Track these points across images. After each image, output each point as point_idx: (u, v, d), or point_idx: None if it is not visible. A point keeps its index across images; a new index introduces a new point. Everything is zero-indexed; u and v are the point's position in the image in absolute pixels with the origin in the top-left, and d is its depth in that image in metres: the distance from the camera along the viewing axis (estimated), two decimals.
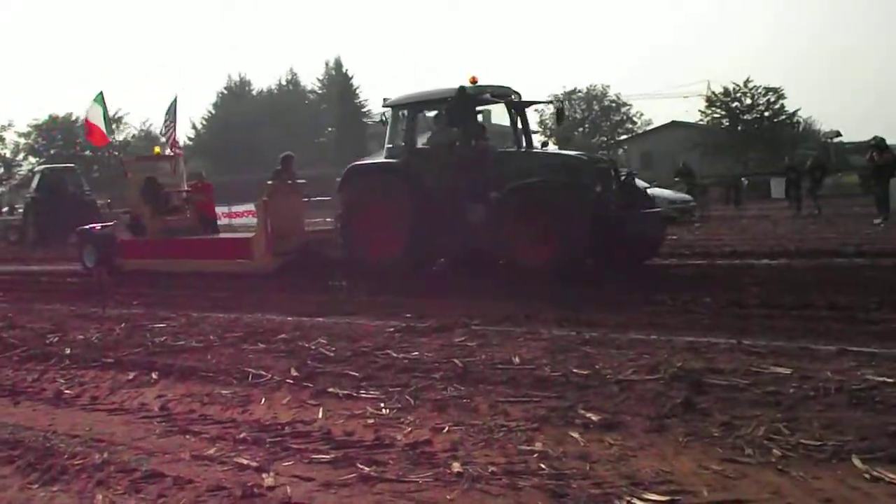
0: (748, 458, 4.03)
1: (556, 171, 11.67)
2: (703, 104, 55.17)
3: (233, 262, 14.06)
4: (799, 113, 56.10)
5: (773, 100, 53.59)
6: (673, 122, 60.28)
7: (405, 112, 13.08)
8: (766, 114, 53.16)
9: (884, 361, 5.69)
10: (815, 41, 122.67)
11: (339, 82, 69.67)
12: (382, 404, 5.40)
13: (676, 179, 30.42)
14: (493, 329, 7.85)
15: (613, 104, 73.43)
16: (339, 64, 71.59)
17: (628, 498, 3.63)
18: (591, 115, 73.73)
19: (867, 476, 3.72)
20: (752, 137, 51.39)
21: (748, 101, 53.92)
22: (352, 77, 70.02)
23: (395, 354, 6.87)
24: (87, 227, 17.75)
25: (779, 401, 4.86)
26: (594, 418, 4.77)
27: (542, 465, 4.08)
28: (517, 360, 6.39)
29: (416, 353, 6.92)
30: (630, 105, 73.36)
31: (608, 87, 73.00)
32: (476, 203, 11.77)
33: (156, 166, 19.63)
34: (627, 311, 8.62)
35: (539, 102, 13.72)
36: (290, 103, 71.13)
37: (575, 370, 5.92)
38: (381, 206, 12.42)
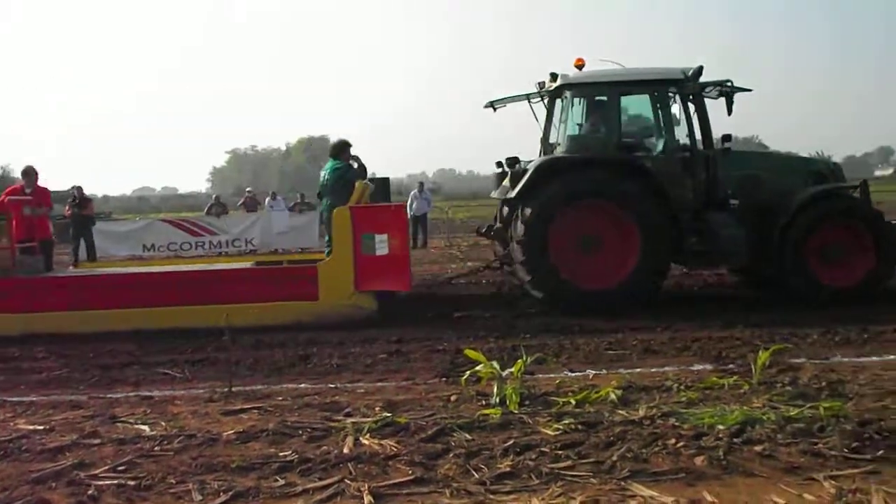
0: None
1: (803, 177, 10.42)
2: None
3: (280, 304, 9.37)
4: None
5: None
6: None
7: (590, 95, 10.49)
8: None
9: (39, 409, 5.79)
10: None
11: None
12: None
13: None
14: None
15: None
16: None
17: None
18: None
19: None
20: None
21: None
22: None
23: None
24: None
25: None
26: None
27: None
28: None
29: None
30: None
31: None
32: (718, 212, 10.07)
33: None
34: None
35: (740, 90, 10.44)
36: None
37: None
38: (620, 216, 9.83)
